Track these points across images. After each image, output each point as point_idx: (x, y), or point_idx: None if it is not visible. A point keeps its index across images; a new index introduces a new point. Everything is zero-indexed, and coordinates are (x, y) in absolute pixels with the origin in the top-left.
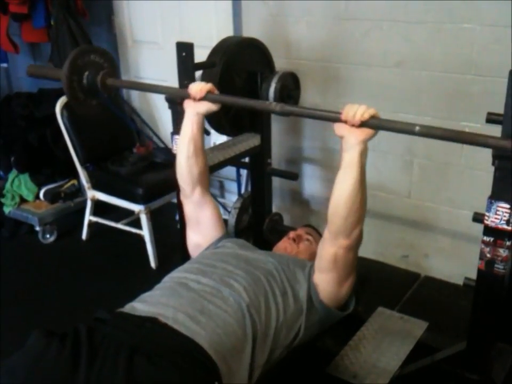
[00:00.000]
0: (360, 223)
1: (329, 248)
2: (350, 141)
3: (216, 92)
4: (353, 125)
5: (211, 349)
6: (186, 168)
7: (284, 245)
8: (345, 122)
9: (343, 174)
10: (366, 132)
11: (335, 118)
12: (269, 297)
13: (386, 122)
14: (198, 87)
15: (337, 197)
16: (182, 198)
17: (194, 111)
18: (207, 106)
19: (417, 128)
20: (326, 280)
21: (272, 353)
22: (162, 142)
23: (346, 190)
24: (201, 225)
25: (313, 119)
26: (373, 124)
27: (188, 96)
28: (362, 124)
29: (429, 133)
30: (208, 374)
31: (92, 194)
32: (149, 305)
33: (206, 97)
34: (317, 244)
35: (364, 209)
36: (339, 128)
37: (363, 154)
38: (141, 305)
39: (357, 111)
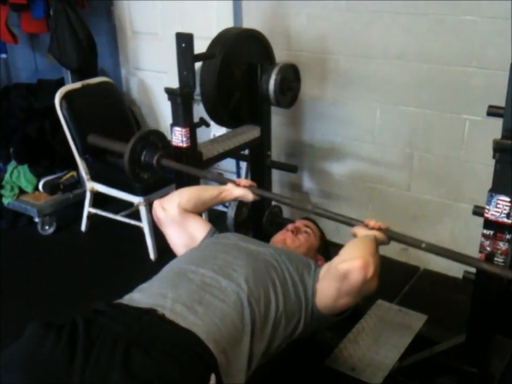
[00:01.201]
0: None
1: (344, 264)
2: (366, 232)
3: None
4: (372, 228)
5: (209, 340)
6: (183, 207)
7: (282, 236)
8: (366, 225)
9: (356, 240)
10: (380, 233)
11: (359, 222)
12: (269, 287)
13: (398, 234)
14: (245, 180)
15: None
16: (160, 213)
17: (233, 190)
18: (244, 193)
19: (423, 244)
20: (326, 290)
21: (271, 343)
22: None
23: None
24: (187, 228)
25: (312, 111)
26: (387, 233)
27: (234, 182)
28: (379, 229)
29: (434, 251)
30: (206, 365)
31: (91, 186)
32: (147, 296)
33: (249, 187)
34: (315, 236)
35: (377, 264)
36: (358, 229)
37: (377, 239)
38: (139, 296)
39: (377, 222)
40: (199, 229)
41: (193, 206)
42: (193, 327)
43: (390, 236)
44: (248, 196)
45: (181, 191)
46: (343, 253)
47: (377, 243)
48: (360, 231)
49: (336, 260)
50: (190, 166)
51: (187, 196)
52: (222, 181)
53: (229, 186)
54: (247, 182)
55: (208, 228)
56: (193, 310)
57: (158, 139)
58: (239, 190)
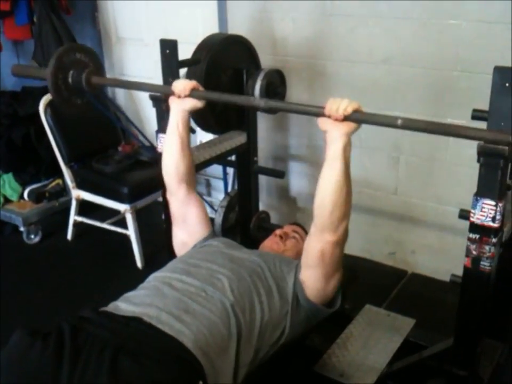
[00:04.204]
0: (346, 218)
1: (316, 244)
2: (333, 134)
3: (201, 88)
4: (336, 119)
5: (196, 348)
6: (172, 165)
7: (270, 243)
8: (329, 116)
9: (327, 168)
10: (349, 125)
11: (318, 112)
12: (254, 296)
13: (369, 116)
14: (182, 85)
15: (322, 192)
16: (168, 195)
17: (179, 108)
18: (192, 103)
19: (399, 121)
20: (312, 277)
21: (258, 352)
22: (148, 140)
23: (331, 184)
24: (188, 223)
25: (299, 115)
26: (356, 118)
27: (172, 93)
28: (345, 118)
29: (411, 125)
30: (193, 372)
31: (77, 194)
32: (133, 305)
33: (191, 94)
34: (303, 241)
35: (350, 203)
36: (323, 123)
37: (347, 148)
38: (125, 305)
39: (340, 105)
40: (199, 228)
41: (185, 151)
42: (180, 336)
43: (360, 120)
44: (197, 105)
45: (163, 160)
46: (312, 228)
47: (348, 154)
48: (328, 130)
49: (307, 244)
50: (123, 80)
51: (170, 153)
52: (164, 90)
53: (174, 109)
54: (183, 89)
55: (207, 232)
56: (180, 319)
57: (87, 56)
58: (186, 104)
